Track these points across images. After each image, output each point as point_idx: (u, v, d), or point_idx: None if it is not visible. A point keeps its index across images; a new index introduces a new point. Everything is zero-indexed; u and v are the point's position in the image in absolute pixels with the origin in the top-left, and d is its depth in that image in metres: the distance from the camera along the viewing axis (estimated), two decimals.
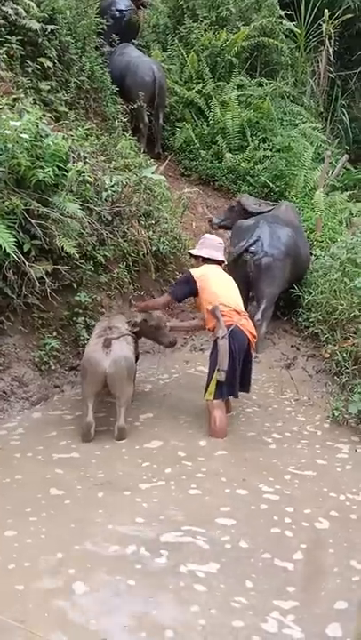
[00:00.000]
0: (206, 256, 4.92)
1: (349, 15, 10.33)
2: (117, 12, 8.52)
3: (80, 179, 5.14)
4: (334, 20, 10.23)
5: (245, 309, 6.01)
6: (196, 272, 4.79)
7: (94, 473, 3.93)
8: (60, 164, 4.85)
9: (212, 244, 4.99)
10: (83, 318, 5.22)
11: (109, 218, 5.53)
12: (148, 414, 4.82)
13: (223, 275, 4.92)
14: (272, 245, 5.94)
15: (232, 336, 4.44)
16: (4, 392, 4.65)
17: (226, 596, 2.87)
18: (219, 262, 4.96)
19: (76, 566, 3.01)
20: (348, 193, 8.71)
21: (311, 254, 6.74)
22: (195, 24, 8.91)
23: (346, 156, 9.50)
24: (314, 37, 10.63)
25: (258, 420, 4.84)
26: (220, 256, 4.98)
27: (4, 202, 4.46)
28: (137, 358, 4.65)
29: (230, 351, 4.39)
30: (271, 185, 8.06)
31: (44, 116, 5.34)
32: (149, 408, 4.92)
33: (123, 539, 3.26)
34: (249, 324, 4.68)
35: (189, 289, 4.76)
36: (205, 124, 8.56)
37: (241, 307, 4.75)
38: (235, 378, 4.51)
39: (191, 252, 5.19)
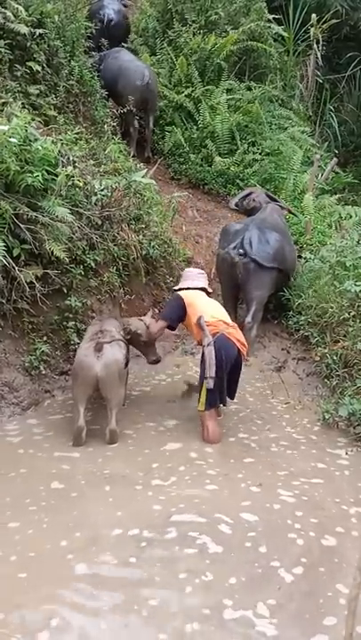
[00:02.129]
0: (187, 287, 4.97)
1: (336, 21, 10.37)
2: (105, 16, 8.53)
3: (69, 183, 5.12)
4: (322, 23, 10.28)
5: (235, 313, 6.07)
6: (182, 292, 4.87)
7: (102, 469, 4.00)
8: (49, 169, 4.85)
9: (193, 276, 5.09)
10: (73, 323, 5.20)
11: (99, 222, 5.52)
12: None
13: (207, 298, 4.96)
14: (260, 249, 5.96)
15: (218, 343, 4.42)
16: None
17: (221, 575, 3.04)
18: (202, 290, 5.00)
19: (79, 550, 3.18)
20: (337, 196, 8.74)
21: (300, 257, 6.77)
22: (184, 28, 8.91)
23: (335, 159, 9.54)
24: (302, 41, 10.69)
25: (250, 424, 4.84)
26: (202, 283, 5.03)
27: None
28: (127, 363, 4.64)
29: (217, 359, 4.37)
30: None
31: (33, 120, 5.32)
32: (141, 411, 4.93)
33: (130, 522, 3.41)
34: (238, 333, 4.67)
35: (178, 307, 4.78)
36: (195, 127, 8.56)
37: (229, 320, 4.74)
38: (222, 385, 4.49)
39: (175, 288, 5.21)
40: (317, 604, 2.86)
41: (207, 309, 4.68)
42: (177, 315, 4.83)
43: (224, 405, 4.74)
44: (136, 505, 3.64)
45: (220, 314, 4.72)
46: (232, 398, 4.77)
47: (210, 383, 4.36)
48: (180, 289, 5.00)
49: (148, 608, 2.83)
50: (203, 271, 5.29)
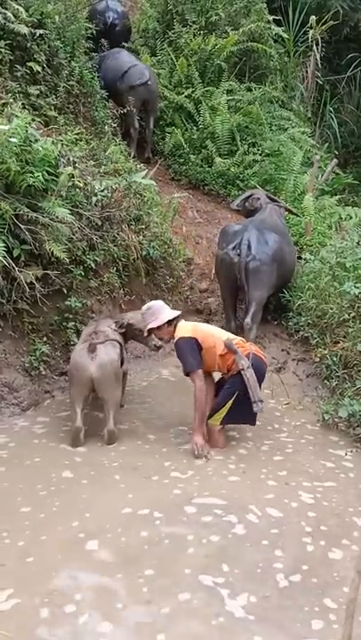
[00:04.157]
0: (171, 317, 4.58)
1: (334, 22, 10.35)
2: (109, 18, 8.53)
3: (70, 183, 5.12)
4: (322, 25, 10.28)
5: (235, 314, 6.08)
6: (186, 332, 4.48)
7: (115, 461, 4.12)
8: (49, 169, 4.85)
9: (162, 308, 4.64)
10: (73, 323, 5.21)
11: (99, 222, 5.52)
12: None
13: (193, 322, 4.92)
14: (260, 250, 5.96)
15: (253, 365, 4.34)
16: None
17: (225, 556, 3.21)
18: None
19: (90, 529, 3.35)
20: (337, 197, 8.74)
21: (300, 258, 6.77)
22: (184, 29, 8.90)
23: (335, 160, 9.53)
24: (302, 42, 10.68)
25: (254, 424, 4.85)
26: (175, 312, 4.67)
27: None
28: (122, 363, 4.62)
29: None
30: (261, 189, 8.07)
31: (34, 120, 5.33)
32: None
33: (144, 503, 3.58)
34: (258, 348, 4.70)
35: (197, 351, 4.44)
36: (195, 128, 8.56)
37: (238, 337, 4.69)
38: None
39: (152, 326, 4.59)
40: (300, 614, 2.85)
41: (215, 331, 4.62)
42: (198, 357, 4.46)
43: (253, 425, 4.60)
44: (151, 491, 3.77)
45: (231, 335, 4.65)
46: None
47: (259, 406, 4.26)
48: (156, 327, 4.58)
49: (150, 578, 3.01)
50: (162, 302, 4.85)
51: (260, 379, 4.45)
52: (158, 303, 4.78)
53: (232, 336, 4.60)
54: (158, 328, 4.58)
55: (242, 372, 4.29)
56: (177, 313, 4.68)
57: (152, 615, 2.79)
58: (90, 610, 2.78)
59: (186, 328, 4.54)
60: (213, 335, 4.51)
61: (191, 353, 4.41)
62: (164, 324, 4.56)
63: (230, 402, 4.37)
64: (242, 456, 4.34)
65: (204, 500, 3.67)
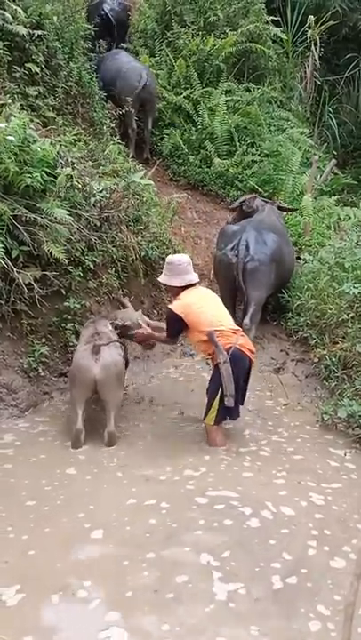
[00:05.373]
0: (179, 285, 4.65)
1: (332, 22, 10.35)
2: (103, 13, 8.53)
3: (68, 184, 5.12)
4: (321, 25, 10.28)
5: (233, 313, 6.06)
6: (176, 308, 4.55)
7: (119, 458, 4.18)
8: (47, 170, 4.85)
9: (182, 269, 4.66)
10: (72, 324, 5.19)
11: (98, 223, 5.51)
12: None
13: (203, 294, 4.74)
14: (258, 250, 5.95)
15: (232, 359, 4.33)
16: None
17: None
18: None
19: (95, 519, 3.41)
20: (335, 197, 8.75)
21: (299, 258, 6.77)
22: (182, 29, 8.92)
23: (333, 160, 9.55)
24: (301, 43, 10.69)
25: (250, 424, 4.85)
26: (194, 277, 4.70)
27: None
28: (127, 364, 4.63)
29: (233, 375, 4.29)
30: (260, 190, 8.08)
31: (32, 121, 5.32)
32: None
33: (152, 495, 3.65)
34: (246, 341, 4.59)
35: (180, 325, 4.58)
36: (194, 129, 8.57)
37: (233, 323, 4.66)
38: (236, 401, 4.41)
39: (162, 281, 4.81)
40: (287, 620, 2.82)
41: (211, 318, 4.48)
42: (178, 332, 4.68)
43: (234, 419, 4.62)
44: (160, 486, 3.80)
45: (225, 320, 4.56)
46: (242, 404, 4.69)
47: (230, 401, 4.29)
48: (172, 286, 4.73)
49: (152, 562, 3.06)
50: (189, 259, 4.79)
51: (241, 372, 4.43)
52: (179, 262, 4.69)
53: (218, 322, 4.48)
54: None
55: (219, 366, 4.33)
56: (189, 281, 4.65)
57: (158, 601, 2.83)
58: (97, 598, 2.83)
59: (183, 302, 4.56)
60: (201, 320, 4.45)
61: (173, 326, 4.64)
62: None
63: (217, 399, 4.36)
64: (243, 456, 4.33)
65: (219, 492, 3.71)
